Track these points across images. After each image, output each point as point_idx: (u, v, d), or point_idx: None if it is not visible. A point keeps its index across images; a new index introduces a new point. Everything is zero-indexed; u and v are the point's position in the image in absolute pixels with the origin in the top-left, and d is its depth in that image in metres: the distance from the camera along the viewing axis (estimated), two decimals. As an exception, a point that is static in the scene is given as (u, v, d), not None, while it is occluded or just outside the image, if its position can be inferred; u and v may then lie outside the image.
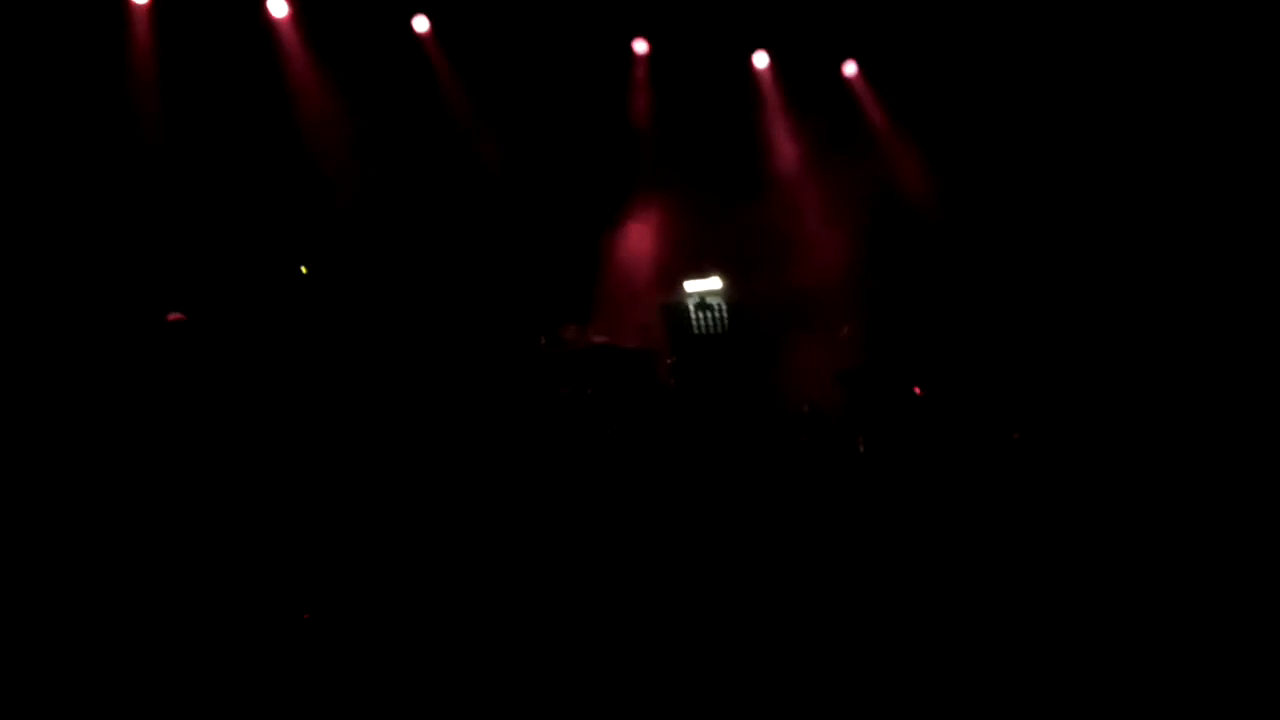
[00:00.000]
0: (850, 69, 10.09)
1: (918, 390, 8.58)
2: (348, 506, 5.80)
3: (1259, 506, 5.44)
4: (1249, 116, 8.42)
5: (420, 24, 9.20)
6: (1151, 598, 4.38)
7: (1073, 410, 8.15)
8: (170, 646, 4.10)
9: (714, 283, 9.12)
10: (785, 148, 10.00)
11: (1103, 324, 8.87)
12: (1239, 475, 6.04)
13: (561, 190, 9.35)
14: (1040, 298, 8.91)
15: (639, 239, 9.44)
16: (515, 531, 5.64)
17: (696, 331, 7.10)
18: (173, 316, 6.92)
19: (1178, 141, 8.78)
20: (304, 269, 7.82)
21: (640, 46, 9.76)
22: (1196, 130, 8.71)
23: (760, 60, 10.03)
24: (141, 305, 6.95)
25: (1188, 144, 8.74)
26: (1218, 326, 8.30)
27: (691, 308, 7.08)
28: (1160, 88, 8.88)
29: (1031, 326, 8.72)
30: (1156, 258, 8.81)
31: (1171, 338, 8.46)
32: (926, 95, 9.61)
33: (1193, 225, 8.67)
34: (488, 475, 6.74)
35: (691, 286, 9.12)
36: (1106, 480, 6.48)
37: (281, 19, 8.72)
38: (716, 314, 7.10)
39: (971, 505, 6.30)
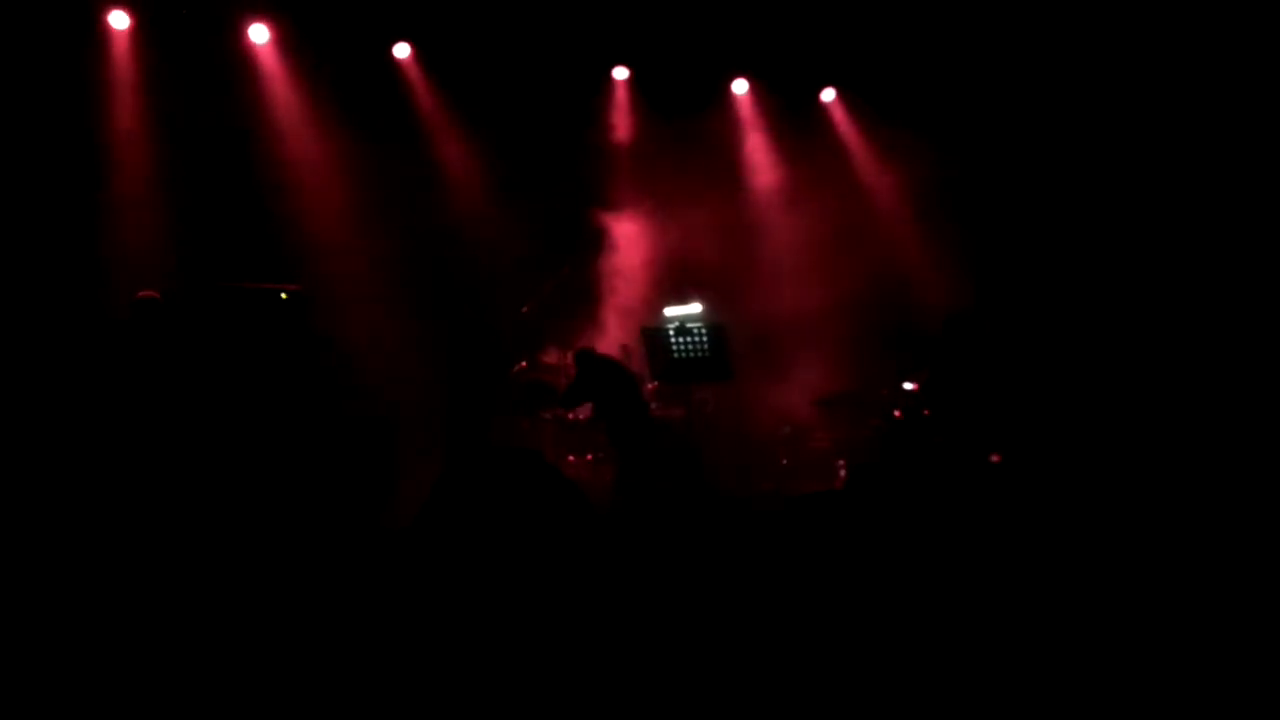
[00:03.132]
0: (828, 95, 10.20)
1: (898, 414, 8.61)
2: (316, 531, 5.76)
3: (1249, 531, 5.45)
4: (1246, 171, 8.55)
5: (401, 50, 9.24)
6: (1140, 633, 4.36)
7: (1053, 432, 8.19)
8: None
9: (694, 308, 9.17)
10: (766, 174, 10.08)
11: (1082, 343, 8.94)
12: (1227, 502, 6.04)
13: (542, 214, 9.38)
14: (1018, 318, 8.96)
15: (620, 262, 9.49)
16: (494, 560, 5.59)
17: (676, 356, 7.10)
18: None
19: (1155, 151, 8.89)
20: (284, 294, 7.80)
21: (621, 73, 9.84)
22: (1180, 146, 8.81)
23: (740, 87, 10.12)
24: (116, 326, 6.92)
25: (1168, 154, 8.84)
26: (1200, 351, 8.38)
27: (671, 332, 7.09)
28: (1130, 101, 9.03)
29: (1011, 347, 8.76)
30: (1137, 276, 8.89)
31: (1151, 359, 8.54)
32: (903, 119, 9.68)
33: (1178, 249, 8.76)
34: (469, 498, 6.69)
35: (672, 311, 9.17)
36: (1089, 503, 6.50)
37: (262, 45, 8.76)
38: (697, 339, 7.11)
39: (952, 529, 6.31)
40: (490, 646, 3.65)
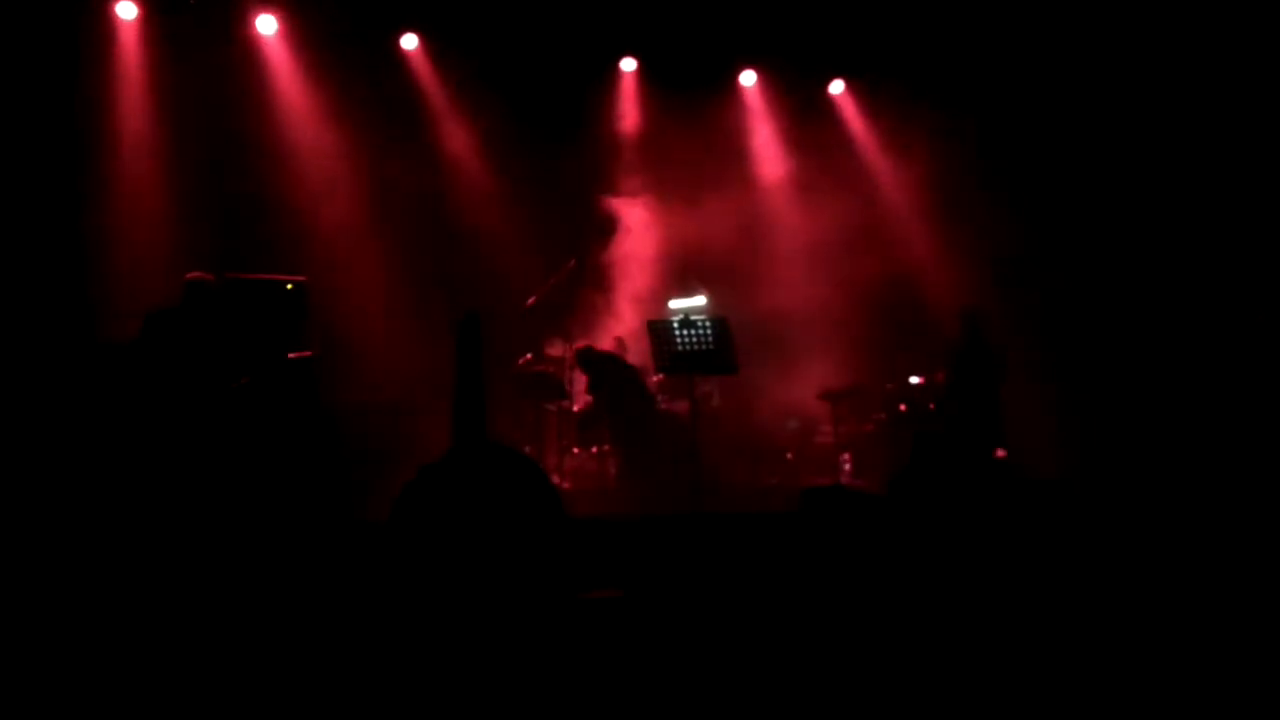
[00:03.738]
0: (838, 86, 10.12)
1: (903, 407, 8.57)
2: (320, 528, 5.76)
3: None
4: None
5: (409, 41, 9.24)
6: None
7: (1059, 426, 8.15)
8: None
9: (699, 300, 9.13)
10: (775, 167, 10.02)
11: (1085, 338, 8.88)
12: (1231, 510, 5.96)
13: (548, 206, 9.37)
14: (1024, 313, 8.89)
15: (625, 255, 9.47)
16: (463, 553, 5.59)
17: (680, 349, 7.06)
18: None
19: (1169, 146, 8.81)
20: (290, 285, 7.80)
21: (629, 64, 9.81)
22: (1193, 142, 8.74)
23: (748, 78, 10.07)
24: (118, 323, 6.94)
25: (1182, 148, 8.76)
26: (1213, 349, 8.31)
27: (676, 325, 7.05)
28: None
29: (1015, 343, 8.71)
30: (1152, 271, 8.83)
31: (1168, 356, 8.48)
32: (917, 111, 9.59)
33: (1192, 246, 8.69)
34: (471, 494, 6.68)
35: (676, 304, 9.14)
36: (1095, 499, 6.45)
37: (269, 36, 8.77)
38: (701, 331, 7.07)
39: (956, 527, 6.26)
40: (456, 638, 3.65)
